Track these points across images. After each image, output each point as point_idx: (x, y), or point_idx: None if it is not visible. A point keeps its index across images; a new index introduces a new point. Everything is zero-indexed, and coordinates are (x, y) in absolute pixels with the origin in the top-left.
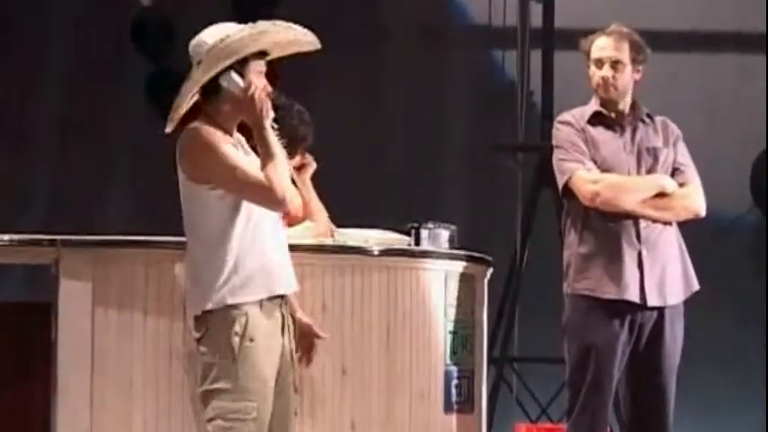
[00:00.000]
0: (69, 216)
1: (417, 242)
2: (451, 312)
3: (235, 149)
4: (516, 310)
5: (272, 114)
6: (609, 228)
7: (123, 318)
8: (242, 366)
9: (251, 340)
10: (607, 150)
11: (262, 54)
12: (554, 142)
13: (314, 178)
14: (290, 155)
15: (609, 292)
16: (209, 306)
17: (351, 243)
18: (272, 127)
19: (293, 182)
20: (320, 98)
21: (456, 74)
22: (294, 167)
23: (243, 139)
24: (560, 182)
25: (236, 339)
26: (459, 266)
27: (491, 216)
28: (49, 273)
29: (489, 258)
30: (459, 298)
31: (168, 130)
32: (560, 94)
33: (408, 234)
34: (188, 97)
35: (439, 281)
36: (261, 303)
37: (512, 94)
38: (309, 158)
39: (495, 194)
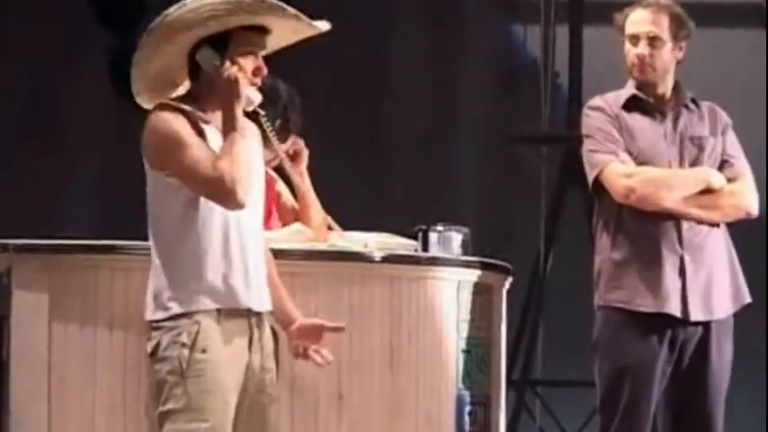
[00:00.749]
0: (23, 217)
1: (425, 247)
2: (464, 328)
3: (192, 135)
4: (539, 326)
5: (255, 100)
6: (646, 230)
7: (85, 335)
8: (193, 382)
9: (203, 351)
10: (644, 140)
11: (257, 32)
12: (583, 131)
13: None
14: (279, 140)
15: (646, 305)
16: (159, 315)
17: (348, 248)
18: (257, 113)
19: (282, 176)
20: (315, 80)
21: (469, 52)
22: (287, 155)
23: (247, 126)
24: (590, 176)
25: (185, 352)
26: (473, 275)
27: (510, 217)
28: (0, 283)
29: (508, 266)
30: (473, 312)
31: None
32: (590, 76)
33: (415, 238)
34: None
35: (450, 292)
36: (219, 313)
37: (534, 76)
38: (301, 144)
39: (515, 192)
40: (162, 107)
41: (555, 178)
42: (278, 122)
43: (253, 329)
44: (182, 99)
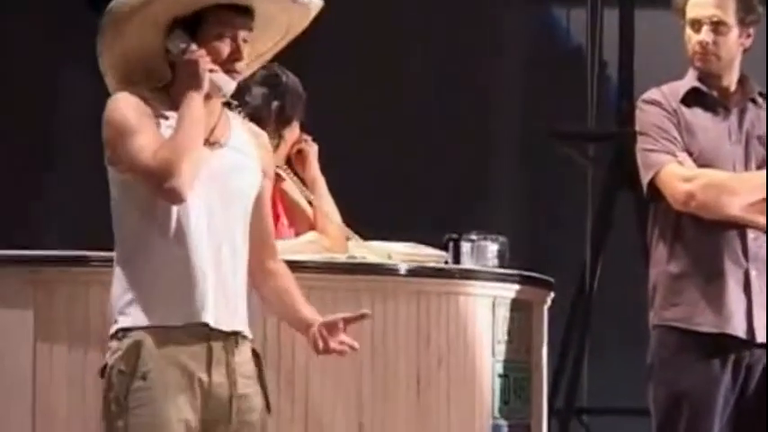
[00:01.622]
0: (1, 224)
1: (457, 259)
2: (501, 350)
3: (144, 122)
4: (586, 347)
5: (223, 87)
6: (707, 240)
7: (74, 356)
8: (134, 414)
9: (143, 378)
10: (706, 138)
11: (234, 12)
12: (637, 128)
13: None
14: (278, 135)
15: (706, 324)
16: (110, 330)
17: (370, 260)
18: (230, 105)
19: (292, 173)
20: (327, 71)
21: (506, 39)
22: (296, 153)
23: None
24: (645, 179)
25: (124, 379)
26: (510, 290)
27: (552, 225)
28: None
29: (550, 280)
30: (510, 332)
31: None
32: (643, 67)
33: (445, 248)
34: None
35: (485, 309)
36: (168, 330)
37: (579, 66)
38: (308, 140)
39: (558, 196)
40: (120, 93)
41: (603, 181)
42: (274, 105)
43: (213, 350)
44: (157, 91)
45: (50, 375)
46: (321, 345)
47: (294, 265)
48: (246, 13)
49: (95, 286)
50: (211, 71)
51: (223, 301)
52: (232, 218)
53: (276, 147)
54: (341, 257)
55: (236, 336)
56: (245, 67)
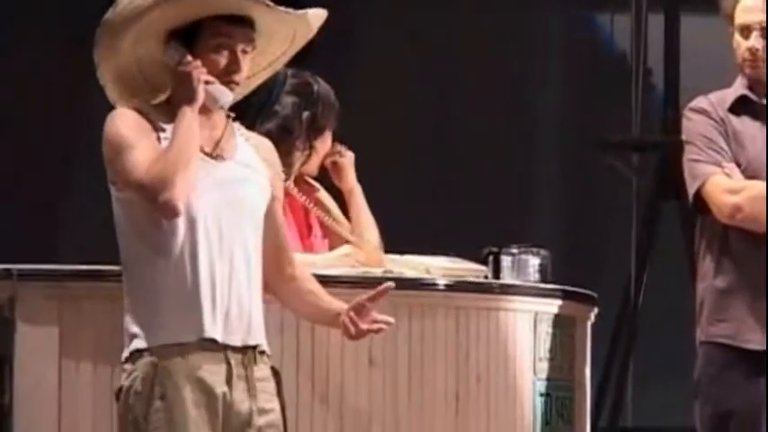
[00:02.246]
0: (27, 238)
1: (497, 273)
2: (543, 368)
3: (141, 137)
4: (630, 365)
5: (220, 99)
6: (756, 254)
7: (101, 375)
8: None
9: (161, 398)
10: (755, 149)
11: (233, 23)
12: (683, 137)
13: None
14: (310, 146)
15: (754, 341)
16: (124, 353)
17: (408, 274)
18: (229, 116)
19: (334, 189)
20: (366, 81)
21: (546, 45)
22: (332, 164)
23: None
24: (691, 190)
25: (142, 402)
26: (553, 306)
27: (596, 237)
28: (1, 315)
29: (594, 294)
30: (553, 349)
31: None
32: (689, 74)
33: (485, 262)
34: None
35: (526, 325)
36: (183, 347)
37: (623, 73)
38: (343, 150)
39: (602, 208)
40: (117, 110)
41: (648, 191)
42: (305, 115)
43: (232, 365)
44: (159, 104)
45: (76, 394)
46: (353, 329)
47: (328, 280)
48: (245, 23)
49: (122, 302)
50: (208, 83)
51: (236, 313)
52: (243, 227)
53: (308, 157)
54: (377, 272)
55: (253, 350)
56: (246, 79)
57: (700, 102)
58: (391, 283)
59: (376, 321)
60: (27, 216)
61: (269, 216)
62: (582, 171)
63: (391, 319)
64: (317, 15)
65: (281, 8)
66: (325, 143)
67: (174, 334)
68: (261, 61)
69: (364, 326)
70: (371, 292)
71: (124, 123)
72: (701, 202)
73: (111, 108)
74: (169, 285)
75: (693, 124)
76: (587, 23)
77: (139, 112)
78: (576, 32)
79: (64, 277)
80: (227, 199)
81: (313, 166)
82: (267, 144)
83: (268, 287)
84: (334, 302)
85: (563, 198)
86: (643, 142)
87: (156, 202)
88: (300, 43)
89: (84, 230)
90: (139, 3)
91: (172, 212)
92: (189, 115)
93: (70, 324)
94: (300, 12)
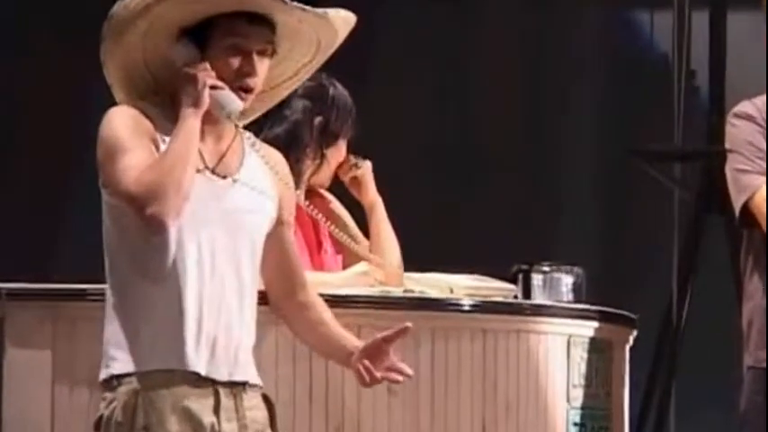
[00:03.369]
0: (17, 256)
1: (527, 292)
2: (578, 395)
3: (139, 139)
4: (672, 392)
5: (228, 107)
6: None
7: (97, 404)
8: None
9: (144, 430)
10: None
11: (251, 22)
12: (727, 145)
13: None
14: (321, 155)
15: None
16: (102, 375)
17: (429, 294)
18: (237, 127)
19: (349, 200)
20: (390, 86)
21: (581, 45)
22: (350, 180)
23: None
24: (737, 203)
25: (119, 431)
26: (588, 328)
27: (634, 254)
28: None
29: (632, 316)
30: (588, 375)
31: None
32: (736, 76)
33: (514, 281)
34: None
35: (559, 349)
36: (168, 374)
37: (664, 76)
38: (358, 161)
39: (640, 222)
40: (117, 107)
41: (691, 205)
42: (317, 121)
43: (220, 395)
44: (168, 106)
45: (69, 424)
46: (367, 377)
47: (342, 301)
48: (263, 23)
49: None
50: (215, 87)
51: (223, 344)
52: (239, 253)
53: (318, 167)
54: (396, 291)
55: (241, 385)
56: (270, 89)
57: (744, 106)
58: (410, 324)
59: (392, 368)
60: (19, 230)
61: (275, 239)
62: (619, 182)
63: (410, 371)
64: (345, 20)
65: (297, 4)
66: (338, 152)
67: (158, 361)
68: (286, 69)
69: (379, 374)
70: (388, 332)
71: (121, 123)
72: (748, 215)
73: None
74: (153, 308)
75: (738, 131)
76: (625, 22)
77: (142, 112)
78: (612, 32)
79: (57, 297)
80: (224, 220)
81: (324, 177)
82: (278, 157)
83: (278, 312)
84: (347, 339)
85: (599, 212)
86: (686, 151)
87: (143, 215)
88: (327, 49)
89: (82, 246)
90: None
91: (160, 227)
92: (190, 122)
93: (64, 348)
94: (320, 11)
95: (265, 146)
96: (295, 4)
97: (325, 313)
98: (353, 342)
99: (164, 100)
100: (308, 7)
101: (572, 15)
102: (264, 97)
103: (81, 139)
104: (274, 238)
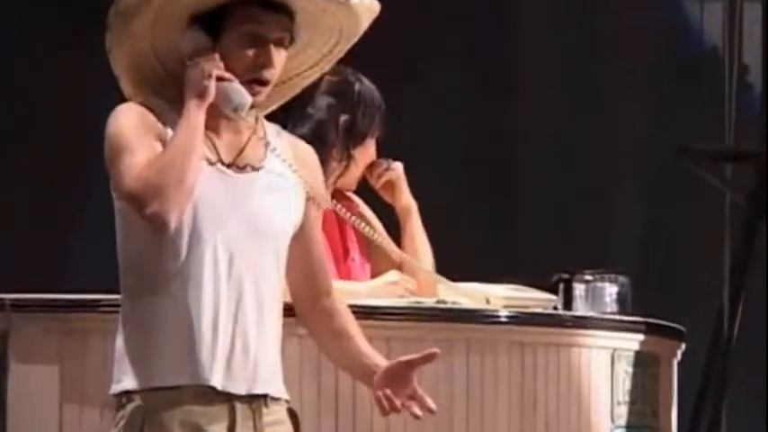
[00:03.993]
0: (24, 266)
1: (568, 303)
2: (622, 414)
3: (144, 138)
4: (723, 409)
5: (236, 100)
6: None
7: (109, 424)
8: None
9: None
10: None
11: (267, 9)
12: None
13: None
14: (347, 155)
15: None
16: (112, 389)
17: (465, 305)
18: (257, 117)
19: (379, 206)
20: (426, 84)
21: (625, 39)
22: (382, 186)
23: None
24: None
25: None
26: (633, 341)
27: (682, 261)
28: None
29: (681, 328)
30: (633, 391)
31: None
32: None
33: (554, 291)
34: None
35: (602, 364)
36: (180, 391)
37: (715, 71)
38: (390, 164)
39: (689, 228)
40: (123, 105)
41: (744, 208)
42: (343, 119)
43: (236, 410)
44: (180, 100)
45: None
46: (387, 406)
47: (371, 312)
48: (280, 9)
49: None
50: (223, 79)
51: (240, 357)
52: (262, 255)
53: (345, 168)
54: (428, 302)
55: (262, 398)
56: (288, 79)
57: None
58: (438, 350)
59: (414, 398)
60: (27, 237)
61: (301, 237)
62: (667, 185)
63: (434, 406)
64: (369, 8)
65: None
66: (366, 153)
67: (168, 377)
68: (307, 58)
69: (399, 403)
70: (412, 356)
71: (127, 122)
72: None
73: None
74: (165, 319)
75: None
76: (673, 12)
77: (150, 109)
78: (659, 24)
79: (65, 308)
80: (245, 221)
81: (351, 179)
82: (306, 147)
83: (302, 320)
84: (370, 356)
85: (644, 217)
86: (738, 151)
87: (143, 214)
88: (349, 38)
89: (93, 255)
90: None
91: (162, 225)
92: (193, 114)
93: (73, 362)
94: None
95: (292, 136)
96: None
97: (350, 324)
98: (376, 360)
99: (175, 94)
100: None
101: (620, 8)
102: (284, 88)
103: (95, 145)
104: (301, 237)
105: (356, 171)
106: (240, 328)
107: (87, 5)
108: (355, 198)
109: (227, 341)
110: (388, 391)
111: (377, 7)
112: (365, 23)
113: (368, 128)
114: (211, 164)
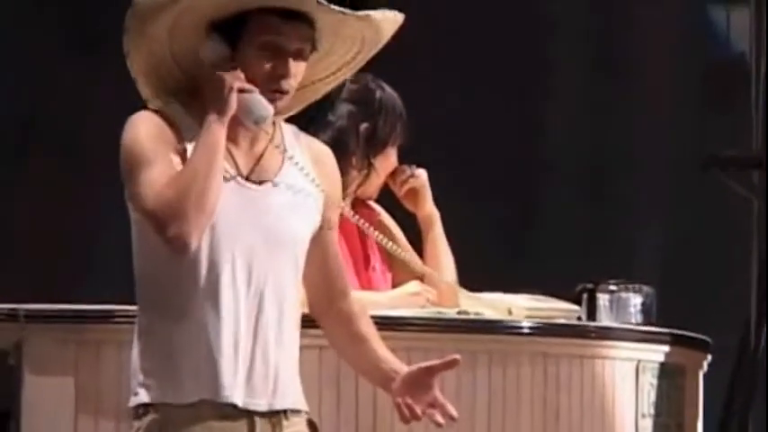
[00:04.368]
0: (39, 275)
1: (592, 314)
2: (647, 427)
3: (162, 149)
4: (750, 423)
5: (256, 112)
6: None
7: None
8: None
9: None
10: None
11: (289, 19)
12: None
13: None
14: (368, 164)
15: None
16: (130, 402)
17: (487, 315)
18: (275, 123)
19: (399, 213)
20: (445, 96)
21: (653, 45)
22: (405, 193)
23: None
24: None
25: None
26: (658, 353)
27: (708, 271)
28: (5, 364)
29: (706, 339)
30: (658, 404)
31: None
32: None
33: (578, 302)
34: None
35: (627, 376)
36: (198, 406)
37: (741, 78)
38: (413, 171)
39: (716, 237)
40: (139, 114)
41: None
42: (363, 127)
43: (256, 429)
44: (199, 106)
45: None
46: (407, 413)
47: (392, 322)
48: (300, 19)
49: None
50: (243, 91)
51: (261, 372)
52: (281, 266)
53: (366, 177)
54: (450, 312)
55: (279, 414)
56: (311, 84)
57: None
58: (458, 357)
59: (435, 405)
60: (41, 248)
61: (318, 240)
62: (693, 193)
63: (455, 413)
64: (390, 20)
65: (336, 8)
66: (387, 161)
67: (187, 393)
68: (329, 65)
69: (420, 410)
70: (432, 363)
71: (144, 131)
72: None
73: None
74: (184, 333)
75: None
76: (697, 18)
77: (166, 117)
78: (683, 30)
79: (81, 319)
80: (263, 233)
81: (372, 188)
82: (324, 149)
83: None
84: (389, 361)
85: (670, 224)
86: (765, 159)
87: (164, 236)
88: (372, 47)
89: (107, 266)
90: None
91: (183, 248)
92: (214, 129)
93: (88, 374)
94: (362, 13)
95: (311, 138)
96: (334, 7)
97: (368, 328)
98: (395, 366)
99: (193, 95)
100: (347, 10)
101: (644, 14)
102: (305, 92)
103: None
104: (318, 239)
105: (377, 180)
106: (260, 343)
107: (92, 18)
108: (377, 207)
109: (248, 357)
110: (408, 399)
111: (400, 18)
112: (387, 34)
113: (389, 136)
114: (229, 179)
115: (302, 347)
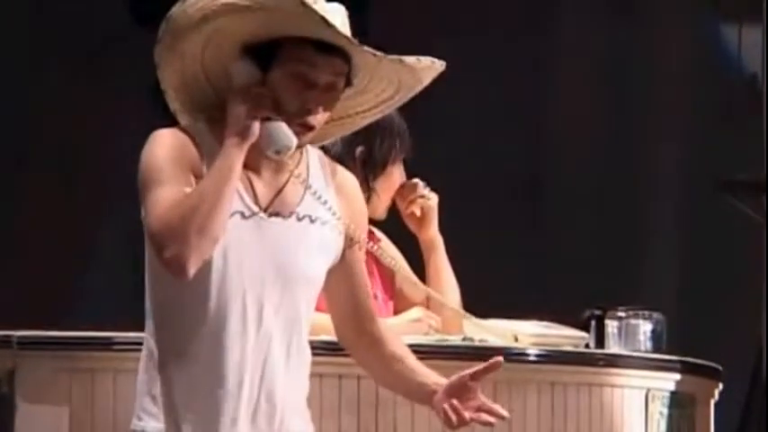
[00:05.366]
0: (32, 300)
1: (600, 341)
2: None
3: (180, 170)
4: None
5: (279, 142)
6: None
7: None
8: None
9: None
10: None
11: (323, 51)
12: None
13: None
14: (368, 188)
15: None
16: (132, 426)
17: (492, 342)
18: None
19: (401, 235)
20: (444, 100)
21: (660, 63)
22: (407, 203)
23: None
24: None
25: None
26: (669, 381)
27: (720, 297)
28: None
29: (718, 367)
30: None
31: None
32: None
33: (586, 328)
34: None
35: (636, 405)
36: None
37: (753, 99)
38: (428, 192)
39: (727, 262)
40: (162, 131)
41: None
42: (359, 151)
43: None
44: (220, 128)
45: None
46: (455, 418)
47: None
48: (335, 52)
49: None
50: (269, 119)
51: (266, 411)
52: (292, 311)
53: (367, 200)
54: (454, 340)
55: None
56: (347, 117)
57: None
58: (500, 358)
59: (482, 409)
60: (35, 273)
61: (342, 269)
62: (704, 217)
63: (505, 413)
64: (428, 66)
65: (368, 49)
66: (389, 181)
67: (191, 427)
68: (365, 101)
69: (467, 414)
70: (476, 367)
71: (164, 150)
72: None
73: (141, 146)
74: (189, 366)
75: None
76: (709, 38)
77: (191, 137)
78: (695, 48)
79: (75, 345)
80: (277, 270)
81: (378, 211)
82: (349, 178)
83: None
84: (428, 375)
85: (681, 250)
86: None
87: (162, 257)
88: (410, 91)
89: (103, 292)
90: (206, 4)
91: (180, 272)
92: (231, 153)
93: (83, 403)
94: (395, 58)
95: (335, 165)
96: (367, 48)
97: (400, 347)
98: (435, 378)
99: (221, 113)
100: (379, 53)
101: (650, 32)
102: (345, 123)
103: (107, 179)
104: (342, 268)
105: (379, 202)
106: (267, 381)
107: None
108: (379, 234)
109: (254, 395)
110: (455, 402)
111: (439, 65)
112: (426, 80)
113: (387, 157)
114: (248, 217)
115: (323, 375)
